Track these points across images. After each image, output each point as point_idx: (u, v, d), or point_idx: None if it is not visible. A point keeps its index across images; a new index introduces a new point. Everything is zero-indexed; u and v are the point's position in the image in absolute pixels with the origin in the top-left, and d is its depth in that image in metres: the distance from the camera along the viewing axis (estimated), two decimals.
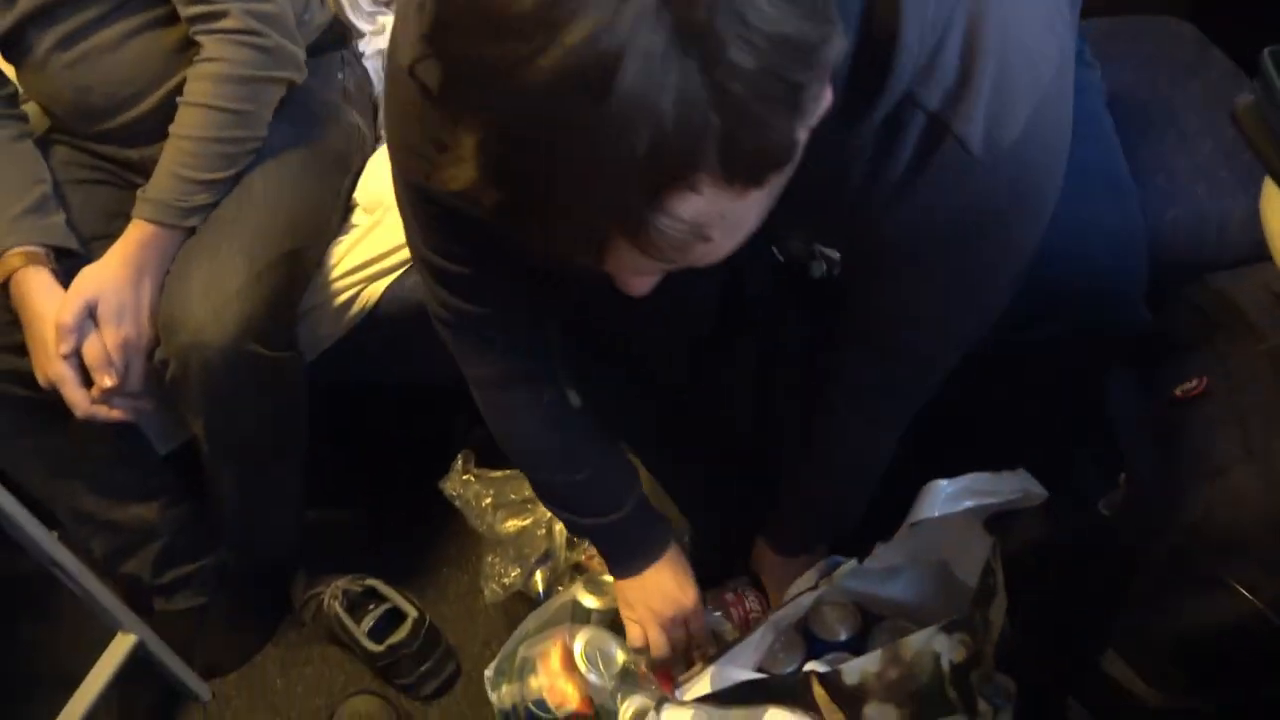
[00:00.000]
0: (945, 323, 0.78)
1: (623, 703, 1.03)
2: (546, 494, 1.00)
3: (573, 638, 1.07)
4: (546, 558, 1.26)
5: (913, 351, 0.82)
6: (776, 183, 0.53)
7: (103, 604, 1.18)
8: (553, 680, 1.07)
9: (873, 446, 0.93)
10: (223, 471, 1.22)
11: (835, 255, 0.84)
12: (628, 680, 1.03)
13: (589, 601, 1.13)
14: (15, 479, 1.17)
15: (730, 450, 1.10)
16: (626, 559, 0.99)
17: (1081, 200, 0.76)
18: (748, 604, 1.11)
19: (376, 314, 1.23)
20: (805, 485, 0.98)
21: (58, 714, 1.15)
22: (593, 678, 1.05)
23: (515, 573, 1.26)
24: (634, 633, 1.02)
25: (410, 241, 0.83)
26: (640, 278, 0.59)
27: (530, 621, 1.16)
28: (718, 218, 0.50)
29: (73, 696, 1.16)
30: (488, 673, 1.17)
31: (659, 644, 1.00)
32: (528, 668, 1.11)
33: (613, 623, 1.09)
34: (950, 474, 0.92)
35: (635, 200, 0.47)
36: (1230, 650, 0.83)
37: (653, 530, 1.00)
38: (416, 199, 0.76)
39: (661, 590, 0.99)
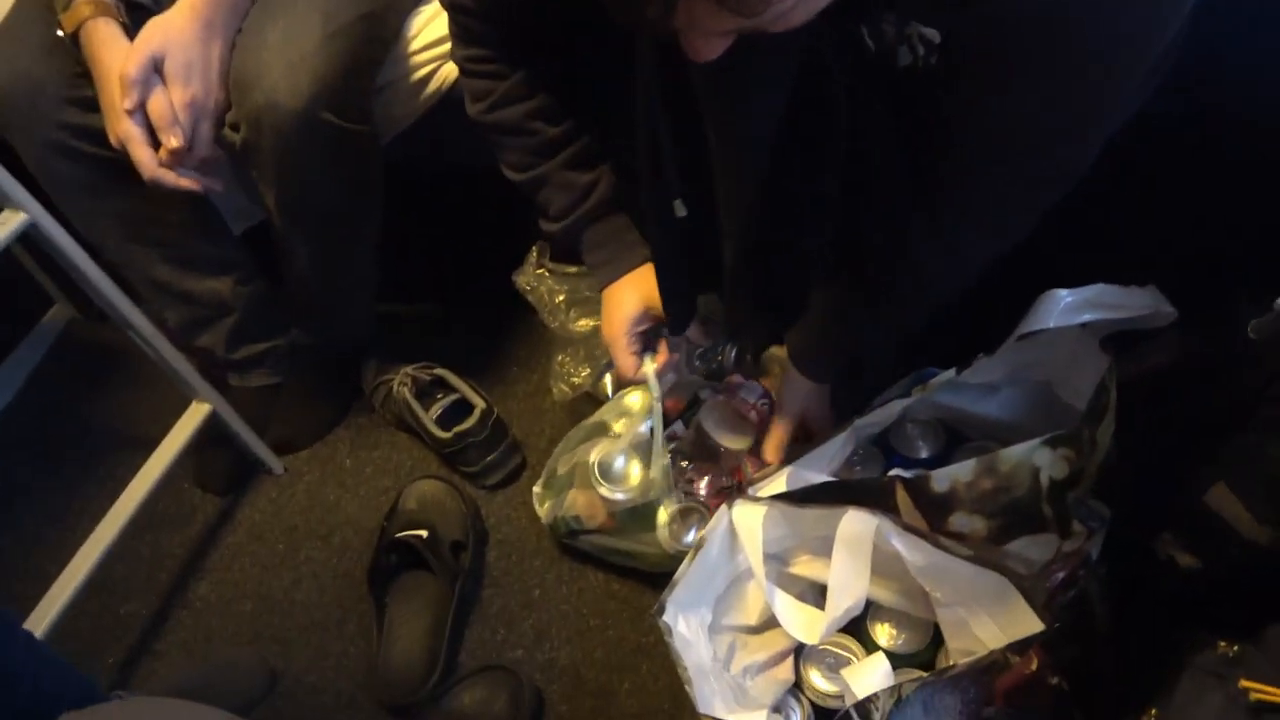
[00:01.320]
0: (1054, 130, 0.68)
1: (663, 508, 1.03)
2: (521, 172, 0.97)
3: (591, 453, 1.08)
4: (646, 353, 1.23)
5: (1018, 162, 0.72)
6: None
7: (180, 372, 1.19)
8: (584, 494, 1.09)
9: (953, 270, 0.83)
10: (296, 247, 1.20)
11: (934, 36, 0.73)
12: (664, 488, 1.03)
13: (613, 421, 1.12)
14: (91, 240, 1.16)
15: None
16: (598, 261, 0.98)
17: None
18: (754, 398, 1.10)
19: (454, 95, 1.16)
20: (859, 304, 0.88)
21: (135, 474, 1.18)
22: (603, 491, 1.06)
23: (585, 373, 1.24)
24: (623, 364, 1.01)
25: None
26: (709, 40, 0.54)
27: (572, 436, 1.15)
28: None
29: (150, 457, 1.19)
30: (535, 488, 1.18)
31: (623, 363, 1.00)
32: (564, 482, 1.12)
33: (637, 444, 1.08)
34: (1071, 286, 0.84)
35: None
36: None
37: (625, 236, 0.97)
38: None
39: (623, 303, 0.98)
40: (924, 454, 1.03)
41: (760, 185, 0.75)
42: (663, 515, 1.02)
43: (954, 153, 0.74)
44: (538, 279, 1.24)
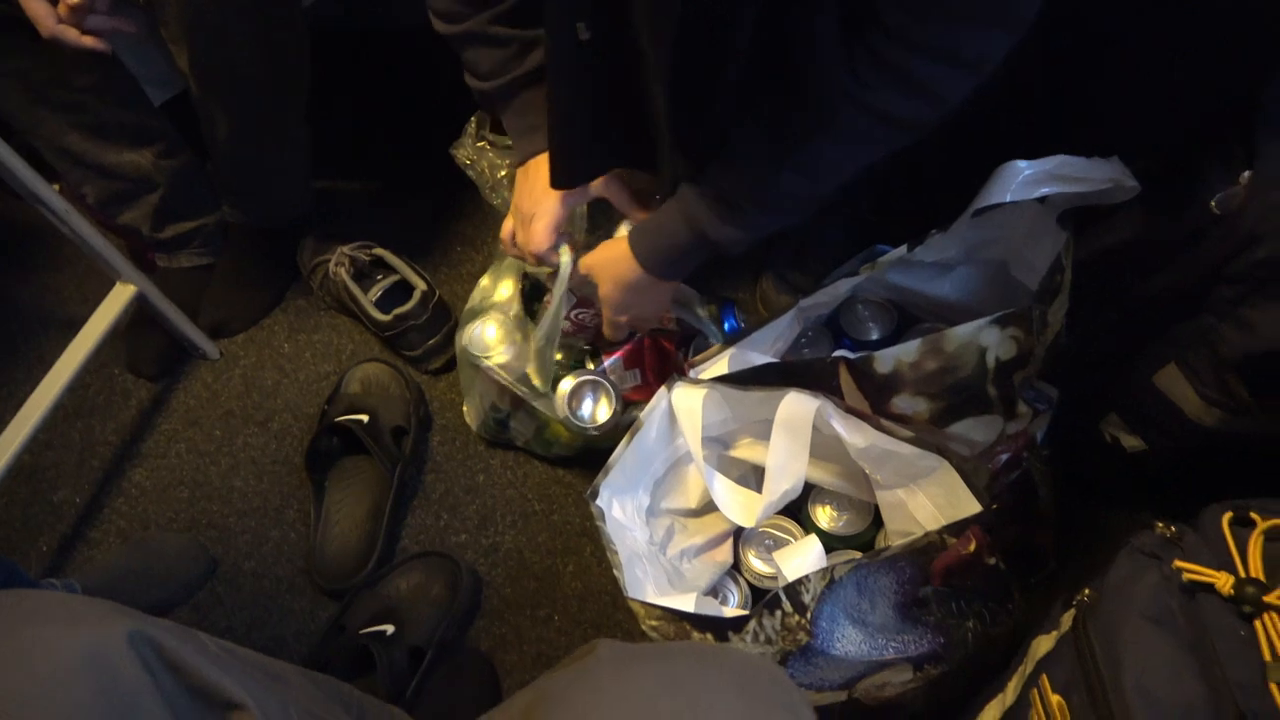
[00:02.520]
0: None
1: (560, 384, 1.00)
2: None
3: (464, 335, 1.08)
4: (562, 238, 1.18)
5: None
6: None
7: (100, 252, 1.12)
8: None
9: (895, 128, 0.73)
10: (216, 115, 1.12)
11: None
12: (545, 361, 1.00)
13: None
14: None
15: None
16: (522, 127, 0.90)
17: None
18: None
19: None
20: (765, 158, 0.77)
21: (59, 356, 1.13)
22: (479, 362, 1.05)
23: None
24: (539, 241, 0.93)
25: None
26: None
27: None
28: None
29: (73, 340, 1.14)
30: (464, 406, 1.16)
31: (538, 240, 0.92)
32: (469, 377, 1.12)
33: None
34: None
35: None
36: None
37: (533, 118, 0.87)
38: None
39: (531, 187, 0.90)
40: (874, 335, 1.00)
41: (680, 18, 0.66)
42: (561, 388, 0.99)
43: None
44: (478, 152, 1.17)
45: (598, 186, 0.90)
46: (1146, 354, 0.87)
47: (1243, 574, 0.64)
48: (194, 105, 1.12)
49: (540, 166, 0.88)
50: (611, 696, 0.44)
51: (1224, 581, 0.63)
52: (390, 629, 1.00)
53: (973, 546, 0.81)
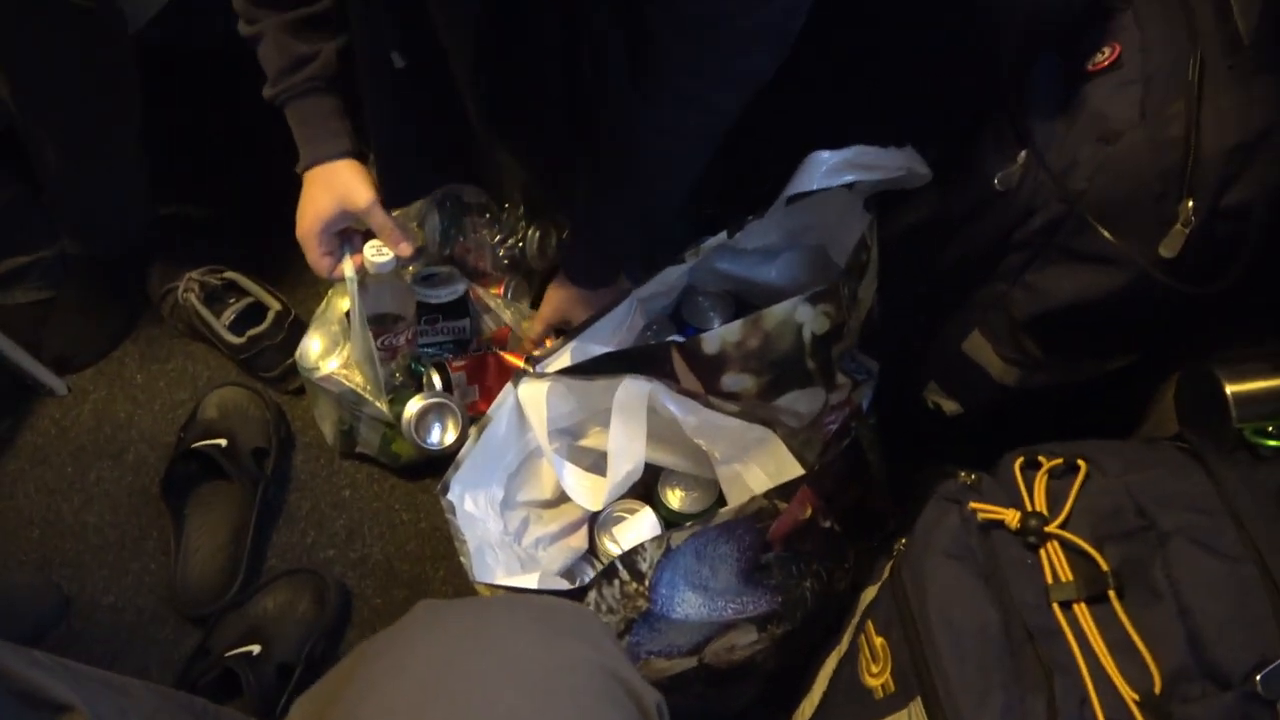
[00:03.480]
0: None
1: (406, 406, 1.00)
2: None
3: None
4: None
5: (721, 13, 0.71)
6: None
7: None
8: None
9: (687, 140, 0.80)
10: (43, 144, 1.09)
11: None
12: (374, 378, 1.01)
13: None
14: None
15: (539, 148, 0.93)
16: (299, 139, 0.89)
17: None
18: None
19: None
20: (606, 195, 0.84)
21: None
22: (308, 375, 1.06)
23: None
24: (316, 265, 0.93)
25: None
26: None
27: None
28: None
29: None
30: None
31: (315, 264, 0.92)
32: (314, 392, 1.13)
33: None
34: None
35: None
36: (1086, 322, 0.83)
37: (329, 123, 0.87)
38: None
39: (315, 200, 0.89)
40: (716, 324, 1.05)
41: (477, 21, 0.70)
42: (407, 412, 0.99)
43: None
44: None
45: (363, 209, 0.88)
46: (953, 323, 0.94)
47: (1029, 509, 0.71)
48: (20, 136, 1.10)
49: (306, 189, 0.88)
50: (424, 643, 0.47)
51: (1012, 517, 0.70)
52: (257, 649, 0.99)
53: (809, 511, 0.86)
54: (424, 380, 1.02)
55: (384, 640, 0.49)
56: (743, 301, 1.06)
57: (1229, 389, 0.70)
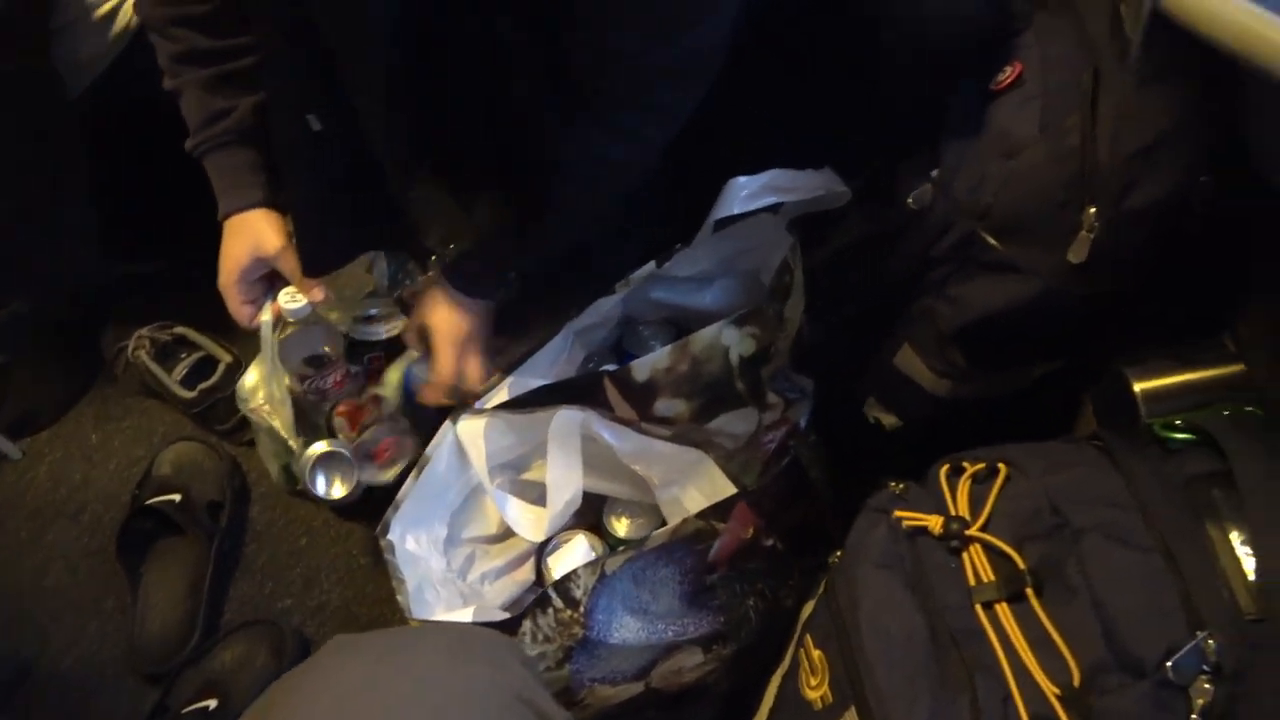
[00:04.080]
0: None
1: (307, 447, 1.01)
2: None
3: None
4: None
5: (643, 46, 0.72)
6: None
7: None
8: None
9: (609, 169, 0.81)
10: None
11: None
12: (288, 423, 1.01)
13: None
14: None
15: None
16: (217, 189, 0.90)
17: None
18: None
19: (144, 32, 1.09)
20: (524, 225, 0.85)
21: None
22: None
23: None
24: (237, 315, 0.94)
25: None
26: None
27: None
28: None
29: None
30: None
31: (235, 313, 0.93)
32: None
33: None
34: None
35: None
36: (1006, 331, 0.85)
37: (244, 175, 0.89)
38: None
39: (231, 250, 0.90)
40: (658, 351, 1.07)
41: (387, 80, 0.72)
42: (306, 455, 1.00)
43: (584, 38, 0.73)
44: None
45: (273, 255, 0.90)
46: (885, 338, 0.96)
47: (952, 514, 0.72)
48: None
49: (231, 228, 0.90)
50: (336, 673, 0.48)
51: (935, 523, 0.72)
52: (214, 703, 0.99)
53: (751, 531, 0.88)
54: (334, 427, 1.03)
55: (299, 674, 0.50)
56: (683, 329, 1.08)
57: (1137, 387, 0.72)
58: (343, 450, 1.00)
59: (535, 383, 0.92)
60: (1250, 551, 0.60)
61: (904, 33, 0.89)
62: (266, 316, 0.93)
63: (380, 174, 0.83)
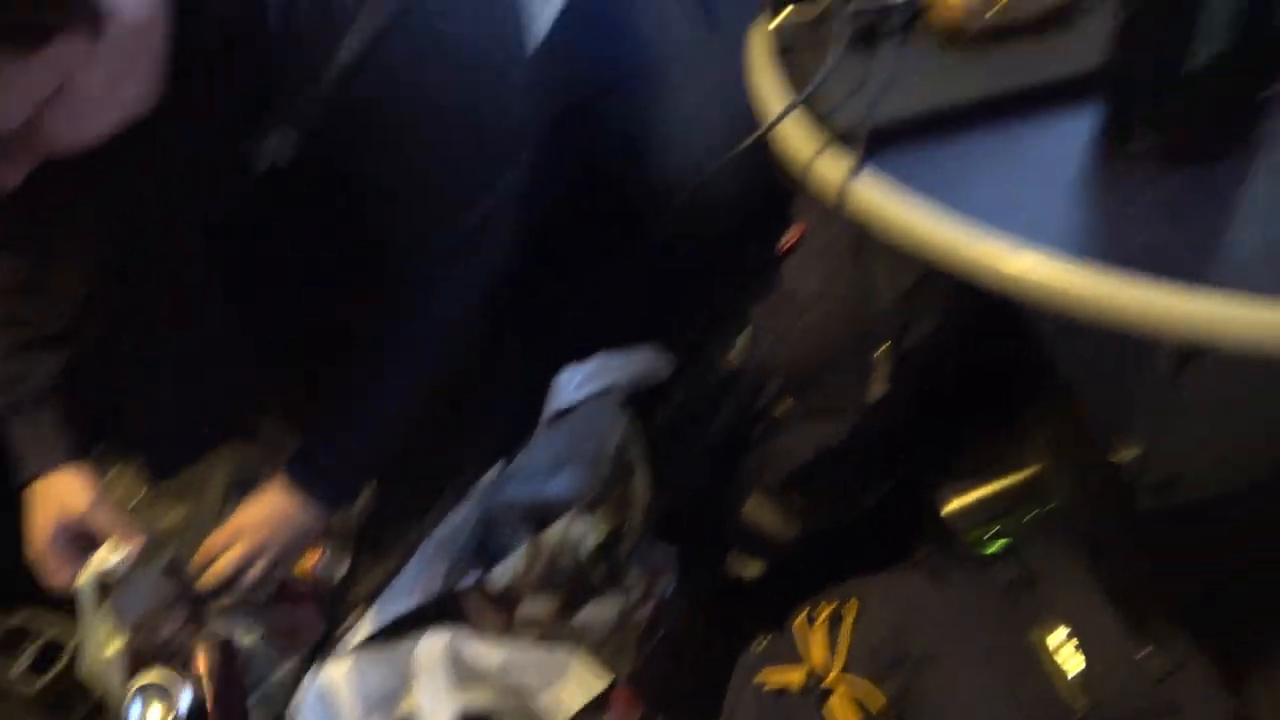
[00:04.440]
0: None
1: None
2: None
3: None
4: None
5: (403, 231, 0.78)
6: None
7: None
8: None
9: (427, 340, 0.83)
10: None
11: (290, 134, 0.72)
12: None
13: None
14: None
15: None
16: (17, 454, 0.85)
17: None
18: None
19: None
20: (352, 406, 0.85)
21: None
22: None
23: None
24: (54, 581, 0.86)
25: None
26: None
27: None
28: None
29: None
30: None
31: (53, 580, 0.86)
32: None
33: None
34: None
35: None
36: (831, 470, 0.90)
37: (45, 436, 0.85)
38: None
39: (36, 518, 0.85)
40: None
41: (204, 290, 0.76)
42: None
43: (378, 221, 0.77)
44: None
45: (83, 514, 0.85)
46: (733, 490, 1.01)
47: (810, 668, 0.75)
48: None
49: (32, 496, 0.85)
50: None
51: (797, 679, 0.74)
52: None
53: (639, 714, 0.87)
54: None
55: None
56: (544, 520, 1.09)
57: (943, 511, 0.78)
58: (165, 686, 0.92)
59: (398, 608, 0.91)
60: (1072, 649, 0.65)
61: (683, 218, 0.98)
62: (81, 582, 0.84)
63: (217, 366, 0.84)
